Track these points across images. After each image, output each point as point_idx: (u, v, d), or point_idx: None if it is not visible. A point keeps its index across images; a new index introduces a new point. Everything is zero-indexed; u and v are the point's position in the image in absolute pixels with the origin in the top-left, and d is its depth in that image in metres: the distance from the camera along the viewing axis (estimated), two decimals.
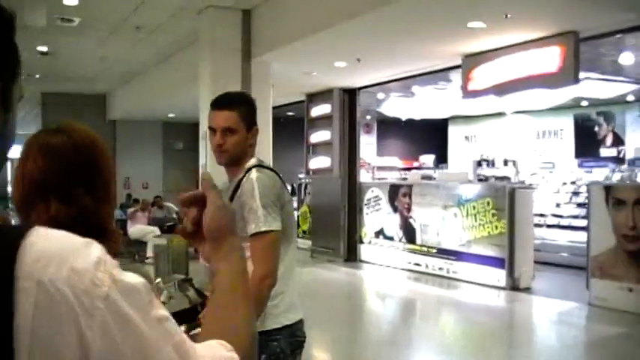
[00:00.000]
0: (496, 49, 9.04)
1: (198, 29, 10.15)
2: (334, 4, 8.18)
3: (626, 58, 10.20)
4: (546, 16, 7.69)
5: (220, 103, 2.79)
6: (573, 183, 13.30)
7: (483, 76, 9.36)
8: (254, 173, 2.68)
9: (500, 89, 9.22)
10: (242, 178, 2.71)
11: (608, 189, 8.34)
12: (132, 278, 0.82)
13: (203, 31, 10.02)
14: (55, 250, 0.78)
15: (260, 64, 10.03)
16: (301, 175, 15.99)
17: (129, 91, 16.71)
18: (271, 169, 2.80)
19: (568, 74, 8.19)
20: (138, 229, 13.12)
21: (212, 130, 2.76)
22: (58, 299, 0.74)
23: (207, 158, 9.82)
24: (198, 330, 2.71)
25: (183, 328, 2.75)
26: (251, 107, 2.83)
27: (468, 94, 9.77)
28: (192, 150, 19.86)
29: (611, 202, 8.16)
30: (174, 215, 14.33)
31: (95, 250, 0.81)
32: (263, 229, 2.60)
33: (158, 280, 3.28)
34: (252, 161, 2.78)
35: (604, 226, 8.19)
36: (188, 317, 3.17)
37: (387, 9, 7.40)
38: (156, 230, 12.66)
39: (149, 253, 12.49)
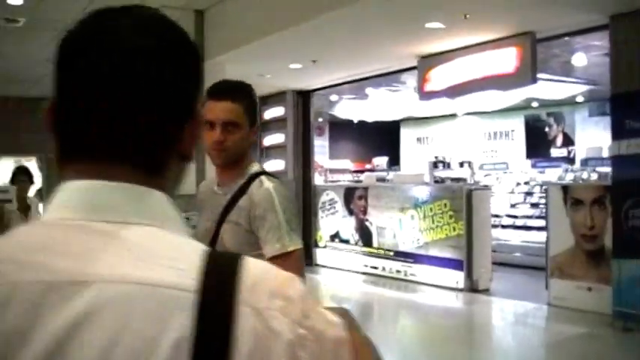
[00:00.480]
0: (453, 50, 9.02)
1: None
2: (290, 6, 8.04)
3: (579, 59, 10.31)
4: (504, 16, 7.69)
5: (222, 92, 2.38)
6: (527, 183, 13.42)
7: (440, 77, 9.33)
8: (267, 182, 2.35)
9: (458, 90, 9.20)
10: (245, 185, 2.37)
11: (566, 189, 8.39)
12: (329, 313, 0.83)
13: None
14: (267, 279, 0.79)
15: (214, 66, 9.77)
16: None
17: None
18: (277, 178, 2.49)
19: (525, 75, 8.21)
20: None
21: (209, 123, 2.34)
22: (274, 328, 0.75)
23: None
24: None
25: None
26: (255, 100, 2.48)
27: (425, 95, 9.73)
28: None
29: (569, 203, 8.19)
30: None
31: (301, 283, 0.82)
32: (291, 248, 2.27)
33: None
34: (256, 167, 2.46)
35: (562, 226, 8.22)
36: None
37: (345, 10, 7.31)
38: None
39: None
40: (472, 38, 8.49)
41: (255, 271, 0.79)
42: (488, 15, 7.60)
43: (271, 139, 13.83)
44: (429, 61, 9.50)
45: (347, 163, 19.30)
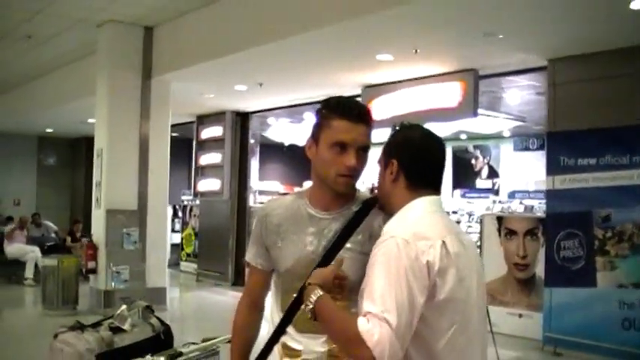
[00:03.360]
0: (398, 82, 9.34)
1: (96, 43, 9.81)
2: (243, 29, 8.15)
3: (512, 97, 10.83)
4: (451, 53, 8.05)
5: (359, 114, 2.15)
6: (455, 212, 13.88)
7: (383, 107, 9.61)
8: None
9: (400, 120, 9.46)
10: (362, 212, 2.20)
11: (501, 220, 8.77)
12: None
13: (102, 45, 9.71)
14: None
15: (160, 83, 9.84)
16: (185, 197, 15.74)
17: (3, 103, 15.80)
18: None
19: (467, 109, 8.61)
20: (16, 248, 12.35)
21: (341, 145, 2.11)
22: None
23: (102, 177, 9.47)
24: (161, 359, 2.64)
25: (148, 357, 2.67)
26: None
27: None
28: (67, 166, 19.15)
29: (503, 233, 8.58)
30: (53, 234, 13.67)
31: None
32: None
33: (123, 307, 3.16)
34: (364, 192, 2.31)
35: (496, 255, 8.58)
36: (152, 346, 3.07)
37: (299, 38, 7.46)
38: (36, 250, 12.02)
39: (28, 274, 11.84)
40: (418, 71, 8.82)
41: None
42: (436, 50, 7.94)
43: (208, 159, 13.85)
44: (373, 90, 9.79)
45: (277, 185, 19.41)
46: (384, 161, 2.10)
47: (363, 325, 1.77)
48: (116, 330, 3.03)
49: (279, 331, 2.18)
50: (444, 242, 1.90)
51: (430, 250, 1.86)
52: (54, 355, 2.88)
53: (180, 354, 2.65)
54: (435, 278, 1.85)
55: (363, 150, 2.13)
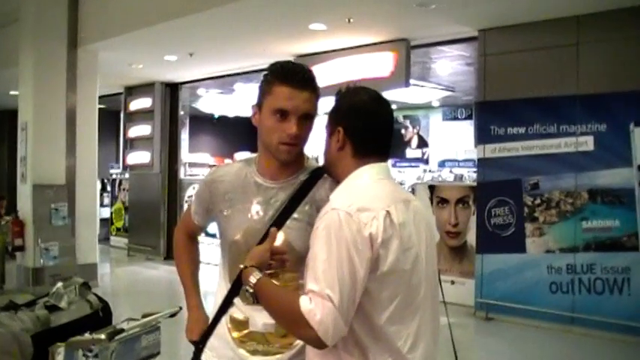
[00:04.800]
0: (330, 51, 9.30)
1: (19, 11, 9.38)
2: None
3: (442, 67, 10.95)
4: (384, 22, 8.05)
5: (302, 79, 2.07)
6: None
7: (316, 76, 9.55)
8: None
9: (333, 90, 9.45)
10: (310, 181, 2.17)
11: (433, 188, 8.90)
12: None
13: (25, 13, 9.28)
14: None
15: (87, 53, 9.53)
16: (114, 171, 15.40)
17: None
18: None
19: (399, 79, 8.66)
20: None
21: (281, 113, 2.05)
22: None
23: (27, 151, 9.14)
24: (101, 336, 2.57)
25: (87, 335, 2.59)
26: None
27: None
28: None
29: (435, 201, 8.71)
30: None
31: None
32: None
33: (59, 284, 3.05)
34: (313, 160, 2.28)
35: None
36: (91, 323, 2.98)
37: (229, 7, 7.31)
38: None
39: None
40: (351, 41, 8.81)
41: None
42: (369, 20, 7.93)
43: (137, 131, 13.57)
44: (305, 60, 9.69)
45: (207, 157, 19.19)
46: (330, 128, 2.04)
47: (305, 305, 1.74)
48: (52, 308, 2.93)
49: (226, 303, 2.14)
50: (388, 212, 1.84)
51: (373, 221, 1.81)
52: None
53: (122, 330, 2.57)
54: (379, 250, 1.80)
55: (305, 117, 2.07)
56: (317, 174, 2.18)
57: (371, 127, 2.00)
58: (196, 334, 2.25)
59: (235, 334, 2.19)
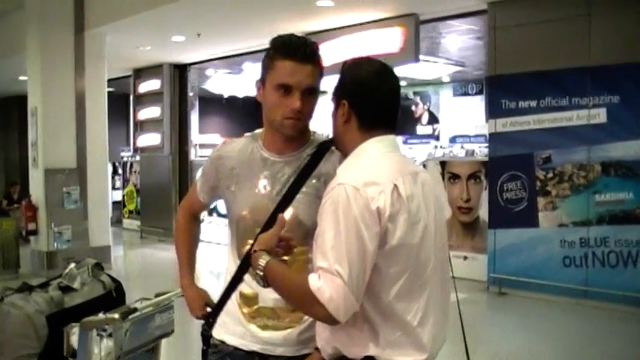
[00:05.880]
0: (338, 28, 9.24)
1: None
2: None
3: (452, 42, 10.86)
4: None
5: (304, 54, 2.04)
6: None
7: (324, 54, 9.48)
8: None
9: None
10: (317, 154, 2.16)
11: (444, 164, 8.87)
12: None
13: None
14: None
15: (94, 37, 9.51)
16: (125, 154, 15.44)
17: None
18: None
19: (409, 54, 8.59)
20: None
21: (285, 88, 2.03)
22: None
23: (37, 136, 9.16)
24: (115, 316, 2.57)
25: (101, 315, 2.60)
26: None
27: None
28: None
29: (446, 177, 8.68)
30: None
31: None
32: None
33: (71, 265, 3.06)
34: (319, 134, 2.24)
35: None
36: (104, 303, 2.99)
37: None
38: None
39: None
40: (359, 17, 8.74)
41: None
42: None
43: (146, 113, 13.58)
44: (313, 37, 9.58)
45: (217, 138, 19.20)
46: (335, 102, 2.01)
47: (314, 282, 1.73)
48: (66, 289, 2.93)
49: (236, 279, 2.15)
50: (395, 186, 1.81)
51: (380, 195, 1.78)
52: (1, 320, 2.77)
53: (135, 310, 2.58)
54: (387, 224, 1.78)
55: (309, 92, 2.04)
56: (324, 147, 2.16)
57: (375, 99, 1.96)
58: (200, 308, 2.28)
59: (245, 310, 2.19)
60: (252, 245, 1.97)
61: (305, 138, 2.18)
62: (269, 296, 2.10)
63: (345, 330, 1.85)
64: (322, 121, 2.35)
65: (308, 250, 2.02)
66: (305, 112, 2.06)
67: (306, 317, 2.11)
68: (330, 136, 2.12)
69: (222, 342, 2.23)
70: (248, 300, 2.18)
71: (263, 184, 2.15)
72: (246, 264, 2.07)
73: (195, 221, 2.52)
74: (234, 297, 2.20)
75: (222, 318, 2.22)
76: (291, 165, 2.14)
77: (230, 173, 2.22)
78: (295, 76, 2.01)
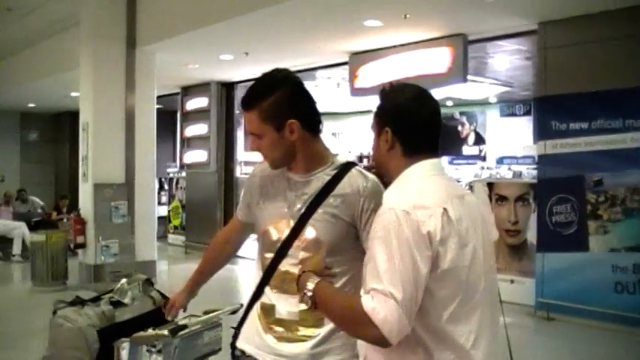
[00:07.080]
0: (385, 48, 9.24)
1: (78, 14, 9.60)
2: None
3: (500, 62, 10.76)
4: (440, 17, 7.96)
5: (245, 101, 2.25)
6: None
7: (370, 74, 9.53)
8: (370, 175, 2.29)
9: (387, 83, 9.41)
10: (336, 176, 2.28)
11: (491, 186, 8.75)
12: None
13: (85, 15, 9.51)
14: None
15: (144, 54, 9.69)
16: (171, 170, 15.61)
17: None
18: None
19: (457, 74, 8.54)
20: (2, 224, 12.21)
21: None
22: None
23: (88, 151, 9.33)
24: (165, 332, 2.58)
25: (151, 331, 2.60)
26: (277, 98, 2.21)
27: (356, 91, 9.92)
28: (50, 142, 18.92)
29: (494, 199, 8.56)
30: (40, 210, 13.53)
31: None
32: None
33: (123, 281, 3.08)
34: (342, 157, 2.36)
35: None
36: (154, 319, 3.00)
37: (284, 6, 7.35)
38: (23, 226, 11.89)
39: (16, 250, 11.74)
40: (406, 37, 8.72)
41: None
42: (425, 16, 7.85)
43: (193, 130, 13.73)
44: (360, 57, 9.69)
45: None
46: (377, 129, 2.05)
47: (367, 303, 1.73)
48: (117, 304, 2.96)
49: (258, 291, 2.33)
50: (445, 209, 1.82)
51: (430, 219, 1.79)
52: (54, 332, 2.80)
53: (184, 327, 2.59)
54: (438, 248, 1.79)
55: (256, 136, 2.24)
56: (343, 169, 2.29)
57: (418, 125, 1.99)
58: (168, 312, 2.73)
59: (264, 321, 2.31)
60: (300, 268, 2.09)
61: (323, 159, 2.33)
62: (284, 309, 2.25)
63: (399, 353, 1.84)
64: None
65: (332, 263, 2.17)
66: (262, 153, 2.29)
67: (319, 332, 2.22)
68: (350, 159, 2.31)
69: (242, 352, 2.38)
70: (266, 311, 2.31)
71: (285, 202, 2.32)
72: (268, 276, 2.27)
73: (228, 245, 2.73)
74: (256, 308, 2.35)
75: (245, 328, 2.39)
76: (312, 184, 2.29)
77: (260, 191, 2.42)
78: (247, 123, 2.30)
